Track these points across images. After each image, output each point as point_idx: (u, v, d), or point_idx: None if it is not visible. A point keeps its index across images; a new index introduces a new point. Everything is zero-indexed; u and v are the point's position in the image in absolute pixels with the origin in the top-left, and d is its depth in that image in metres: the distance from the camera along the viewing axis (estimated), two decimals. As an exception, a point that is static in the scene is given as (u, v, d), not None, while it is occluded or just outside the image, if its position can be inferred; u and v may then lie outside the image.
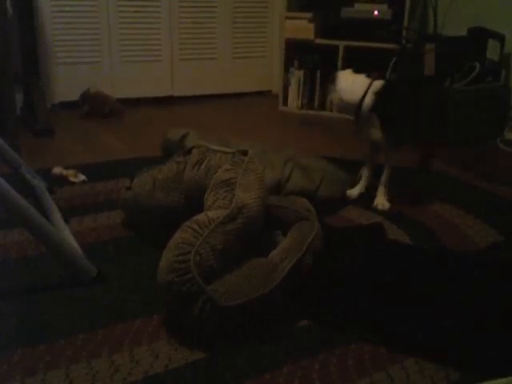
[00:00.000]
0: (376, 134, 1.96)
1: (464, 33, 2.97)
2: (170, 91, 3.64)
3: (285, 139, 2.88)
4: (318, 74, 3.47)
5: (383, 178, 2.01)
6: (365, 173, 2.10)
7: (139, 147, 2.66)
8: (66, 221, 1.77)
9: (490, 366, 1.17)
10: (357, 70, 2.01)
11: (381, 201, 2.01)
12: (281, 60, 3.56)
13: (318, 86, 3.49)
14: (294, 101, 3.57)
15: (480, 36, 2.88)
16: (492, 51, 2.86)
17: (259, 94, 3.92)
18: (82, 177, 2.20)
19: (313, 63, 3.49)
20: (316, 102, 3.52)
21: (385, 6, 3.26)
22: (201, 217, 1.31)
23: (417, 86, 2.13)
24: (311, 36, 3.35)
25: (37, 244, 1.61)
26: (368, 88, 1.94)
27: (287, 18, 3.40)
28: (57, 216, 1.76)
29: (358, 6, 3.31)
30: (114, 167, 2.36)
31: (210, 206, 1.38)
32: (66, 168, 2.23)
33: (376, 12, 3.26)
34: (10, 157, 2.01)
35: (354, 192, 2.08)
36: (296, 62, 3.52)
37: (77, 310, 1.35)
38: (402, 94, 2.11)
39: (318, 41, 3.37)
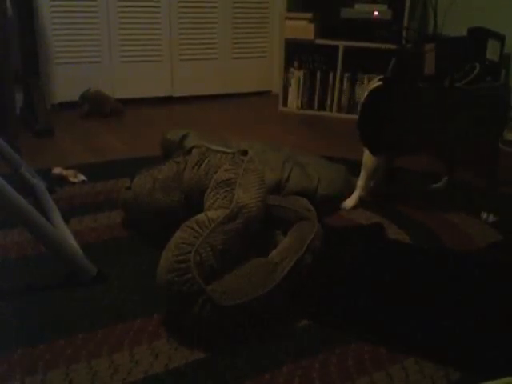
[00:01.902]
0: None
1: (464, 33, 2.97)
2: (169, 91, 3.64)
3: (284, 139, 2.88)
4: (318, 75, 3.47)
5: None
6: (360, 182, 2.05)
7: (139, 147, 2.66)
8: (66, 221, 1.77)
9: (490, 365, 1.17)
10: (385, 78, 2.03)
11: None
12: (281, 60, 3.56)
13: (317, 87, 3.49)
14: (293, 101, 3.57)
15: (480, 36, 2.88)
16: (492, 51, 2.86)
17: (259, 94, 3.92)
18: (82, 177, 2.20)
19: (313, 63, 3.49)
20: (316, 102, 3.52)
21: (385, 6, 3.26)
22: (201, 217, 1.31)
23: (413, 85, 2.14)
24: (311, 36, 3.36)
25: (36, 244, 1.61)
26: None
27: (287, 18, 3.40)
28: (57, 216, 1.76)
29: (357, 7, 3.31)
30: (114, 167, 2.36)
31: (210, 206, 1.38)
32: (66, 168, 2.23)
33: (376, 12, 3.27)
34: (10, 157, 2.01)
35: (349, 203, 2.02)
36: (296, 63, 3.52)
37: (77, 309, 1.35)
38: (401, 94, 2.11)
39: (318, 41, 3.37)
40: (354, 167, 2.30)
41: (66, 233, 1.62)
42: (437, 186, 2.18)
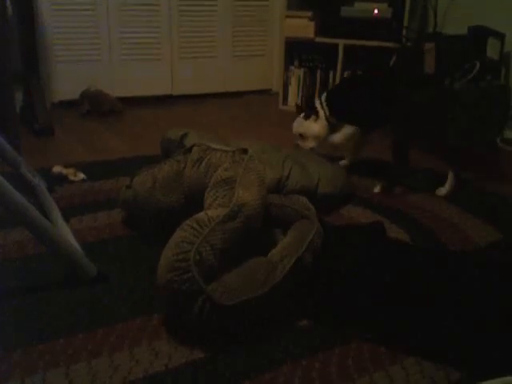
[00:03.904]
0: None
1: (464, 31, 2.97)
2: (169, 90, 3.64)
3: (284, 138, 2.87)
4: (318, 73, 3.47)
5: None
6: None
7: (139, 146, 2.66)
8: (66, 220, 1.77)
9: (490, 365, 1.17)
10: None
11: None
12: (281, 58, 3.56)
13: (317, 85, 3.49)
14: (293, 99, 3.56)
15: (480, 35, 2.88)
16: (492, 50, 2.86)
17: (259, 92, 3.92)
18: (82, 175, 2.20)
19: (313, 62, 3.49)
20: (316, 101, 3.52)
21: (385, 5, 3.26)
22: (201, 215, 1.30)
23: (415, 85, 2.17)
24: (311, 35, 3.35)
25: (37, 243, 1.61)
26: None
27: (287, 16, 3.39)
28: (57, 215, 1.76)
29: (358, 5, 3.31)
30: (114, 166, 2.36)
31: (210, 205, 1.38)
32: (66, 167, 2.23)
33: (376, 11, 3.26)
34: (11, 156, 2.00)
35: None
36: (296, 61, 3.52)
37: (77, 309, 1.35)
38: (401, 94, 2.11)
39: (318, 39, 3.37)
40: (354, 166, 2.31)
41: (66, 232, 1.62)
42: (443, 193, 2.16)
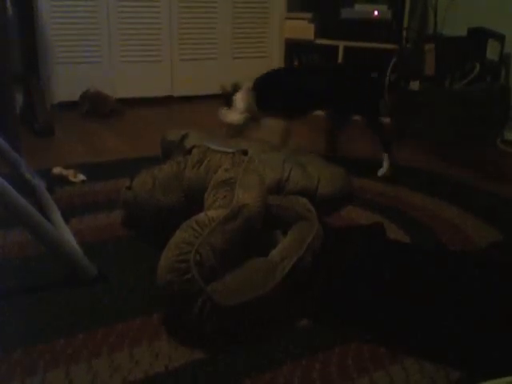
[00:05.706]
0: None
1: (464, 33, 2.97)
2: (169, 91, 3.64)
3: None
4: (318, 74, 3.46)
5: None
6: None
7: (139, 147, 2.66)
8: (66, 220, 1.77)
9: (490, 365, 1.17)
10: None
11: None
12: (281, 60, 3.56)
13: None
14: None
15: (480, 36, 2.88)
16: (492, 51, 2.86)
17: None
18: (82, 176, 2.20)
19: (312, 63, 3.49)
20: (316, 102, 3.51)
21: (385, 7, 3.26)
22: (201, 216, 1.31)
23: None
24: (311, 36, 3.36)
25: (37, 244, 1.61)
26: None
27: (287, 18, 3.40)
28: (57, 216, 1.76)
29: (357, 7, 3.31)
30: (114, 167, 2.36)
31: (210, 206, 1.38)
32: (66, 168, 2.23)
33: (376, 12, 3.27)
34: (10, 156, 2.00)
35: None
36: (296, 62, 3.52)
37: (77, 309, 1.35)
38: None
39: (318, 41, 3.37)
40: (355, 166, 2.30)
41: (66, 233, 1.62)
42: (382, 173, 2.27)
